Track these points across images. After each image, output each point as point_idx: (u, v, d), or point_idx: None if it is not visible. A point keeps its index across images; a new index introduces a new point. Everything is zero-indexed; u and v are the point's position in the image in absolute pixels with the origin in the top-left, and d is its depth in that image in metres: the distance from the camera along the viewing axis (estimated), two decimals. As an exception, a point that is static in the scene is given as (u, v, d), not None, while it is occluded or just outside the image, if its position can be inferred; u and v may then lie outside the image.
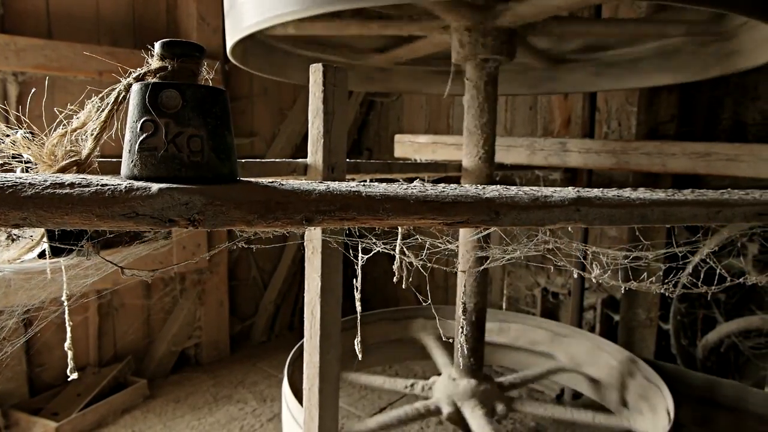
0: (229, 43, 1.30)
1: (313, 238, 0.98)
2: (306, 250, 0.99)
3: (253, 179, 0.49)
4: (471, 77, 1.47)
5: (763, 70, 2.40)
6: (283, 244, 3.23)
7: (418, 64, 2.21)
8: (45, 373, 2.42)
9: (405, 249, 0.63)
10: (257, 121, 3.23)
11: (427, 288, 0.69)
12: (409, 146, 2.19)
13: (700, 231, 2.10)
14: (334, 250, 0.97)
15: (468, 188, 0.55)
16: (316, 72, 0.95)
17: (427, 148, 2.10)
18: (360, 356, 0.67)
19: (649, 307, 2.55)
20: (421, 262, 0.70)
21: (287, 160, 0.99)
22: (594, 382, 1.97)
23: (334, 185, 0.50)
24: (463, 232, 1.49)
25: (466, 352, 1.48)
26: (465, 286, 0.55)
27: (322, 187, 0.48)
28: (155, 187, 0.40)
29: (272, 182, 0.48)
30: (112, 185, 0.40)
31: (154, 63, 0.45)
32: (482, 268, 0.60)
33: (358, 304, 0.68)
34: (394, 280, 0.63)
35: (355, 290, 0.68)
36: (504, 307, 3.23)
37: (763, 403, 2.09)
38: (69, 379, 0.67)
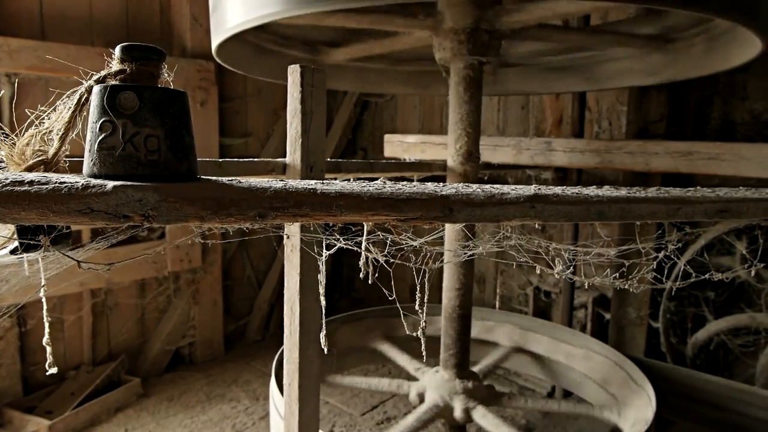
0: (214, 43, 1.32)
1: (292, 236, 0.99)
2: (285, 248, 1.00)
3: (213, 178, 0.51)
4: (454, 77, 1.49)
5: (751, 70, 2.43)
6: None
7: (409, 65, 2.23)
8: (39, 372, 2.43)
9: (370, 246, 0.65)
10: (251, 122, 3.25)
11: (385, 285, 0.70)
12: (398, 146, 2.21)
13: (690, 228, 2.11)
14: (315, 247, 0.99)
15: (427, 186, 0.57)
16: (294, 73, 0.97)
17: (416, 148, 2.12)
18: (325, 350, 0.68)
19: (639, 305, 2.56)
20: (397, 260, 0.72)
21: (266, 159, 1.00)
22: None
23: (292, 183, 0.51)
24: (449, 228, 1.51)
25: (450, 349, 1.49)
26: (424, 282, 0.57)
27: (279, 184, 0.49)
28: (110, 184, 0.42)
29: (230, 180, 0.50)
30: (70, 183, 0.42)
31: (115, 66, 0.47)
32: (440, 264, 0.62)
33: (322, 298, 0.70)
34: (361, 275, 0.65)
35: (319, 285, 0.69)
36: (497, 306, 3.25)
37: (750, 401, 2.10)
38: (47, 374, 0.69)
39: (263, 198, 0.46)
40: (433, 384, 1.57)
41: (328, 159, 3.39)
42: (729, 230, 2.23)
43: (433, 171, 1.61)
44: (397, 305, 0.68)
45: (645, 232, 2.27)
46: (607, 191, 0.67)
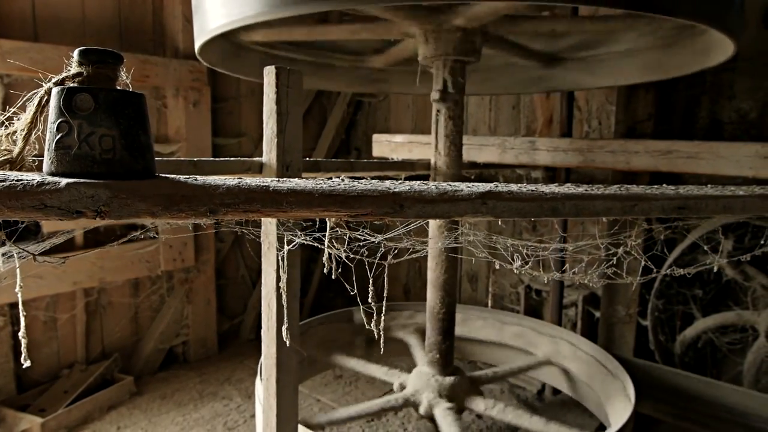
0: (197, 44, 1.34)
1: (269, 233, 1.01)
2: (262, 245, 1.03)
3: (171, 176, 0.53)
4: (436, 78, 1.51)
5: (738, 69, 2.44)
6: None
7: (401, 65, 2.25)
8: (32, 370, 2.46)
9: (333, 241, 0.67)
10: (245, 122, 3.27)
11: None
12: (386, 146, 2.23)
13: (675, 224, 2.13)
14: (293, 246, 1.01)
15: (381, 184, 0.59)
16: (269, 74, 0.99)
17: (404, 148, 2.14)
18: (288, 343, 0.70)
19: (628, 303, 2.58)
20: (361, 256, 0.74)
21: (242, 159, 1.03)
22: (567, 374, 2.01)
23: (248, 180, 0.53)
24: (433, 225, 1.52)
25: (433, 346, 1.51)
26: (377, 279, 0.58)
27: (233, 181, 0.52)
28: (64, 181, 0.44)
29: (187, 178, 0.52)
30: (26, 180, 0.44)
31: (73, 69, 0.49)
32: (401, 260, 0.63)
33: (283, 294, 0.72)
34: (324, 271, 0.67)
35: (280, 283, 0.71)
36: (489, 304, 3.27)
37: (735, 399, 2.12)
38: (23, 367, 0.71)
39: (215, 195, 0.48)
40: (415, 377, 1.59)
41: (323, 158, 3.41)
42: (715, 228, 2.25)
43: (416, 170, 1.63)
44: (356, 305, 0.69)
45: (632, 230, 2.28)
46: (562, 188, 0.69)
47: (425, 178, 1.71)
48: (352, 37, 1.41)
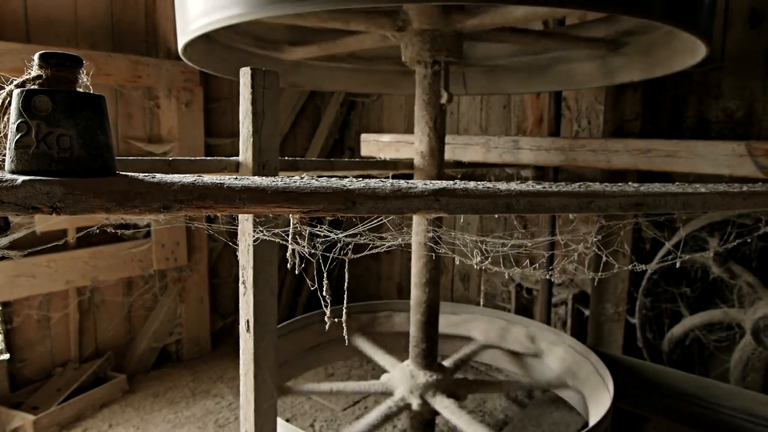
0: (180, 44, 1.36)
1: (246, 231, 1.04)
2: (239, 243, 1.05)
3: (131, 173, 0.55)
4: (418, 77, 1.53)
5: (725, 69, 2.46)
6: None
7: (392, 65, 2.26)
8: (26, 369, 2.48)
9: (298, 238, 0.69)
10: (237, 122, 3.29)
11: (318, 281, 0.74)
12: (374, 145, 2.25)
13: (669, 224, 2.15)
14: (268, 243, 1.04)
15: (336, 181, 0.61)
16: (245, 75, 1.01)
17: (391, 147, 2.16)
18: (250, 334, 0.72)
19: (617, 301, 2.60)
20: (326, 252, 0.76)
21: (218, 158, 1.05)
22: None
23: (206, 178, 0.56)
24: (416, 221, 1.54)
25: (416, 343, 1.53)
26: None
27: (189, 179, 0.54)
28: (20, 179, 0.46)
29: (145, 176, 0.54)
30: (-15, 178, 0.46)
31: (34, 71, 0.52)
32: (360, 256, 0.66)
33: (243, 288, 0.74)
34: (288, 266, 0.69)
35: (243, 278, 0.73)
36: (481, 303, 3.29)
37: (722, 395, 2.14)
38: (0, 359, 0.73)
39: (169, 191, 0.51)
40: (398, 377, 1.61)
41: (316, 158, 3.42)
42: (702, 227, 2.27)
43: (399, 169, 1.66)
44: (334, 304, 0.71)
45: (622, 229, 2.30)
46: (519, 186, 0.71)
47: (409, 177, 1.73)
48: (340, 27, 1.42)
